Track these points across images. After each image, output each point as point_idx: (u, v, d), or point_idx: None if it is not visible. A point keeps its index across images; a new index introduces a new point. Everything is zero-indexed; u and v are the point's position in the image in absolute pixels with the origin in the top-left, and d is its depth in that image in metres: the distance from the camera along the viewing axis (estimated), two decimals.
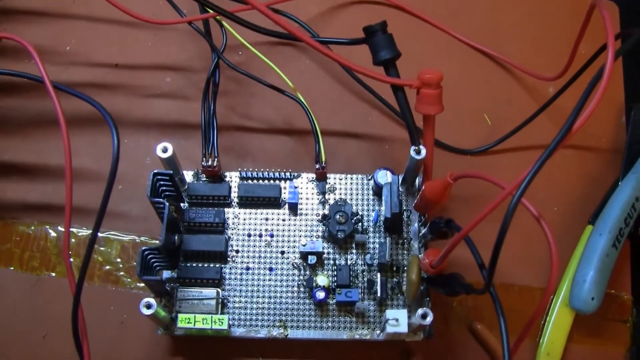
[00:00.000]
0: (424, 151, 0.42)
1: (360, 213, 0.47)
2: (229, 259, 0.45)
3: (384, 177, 0.45)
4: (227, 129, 0.53)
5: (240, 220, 0.46)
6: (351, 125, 0.53)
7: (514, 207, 0.31)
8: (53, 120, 0.36)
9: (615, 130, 0.54)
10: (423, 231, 0.45)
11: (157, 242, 0.42)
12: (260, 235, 0.46)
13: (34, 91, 0.52)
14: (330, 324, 0.45)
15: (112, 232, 0.49)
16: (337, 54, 0.40)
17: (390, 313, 0.41)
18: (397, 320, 0.41)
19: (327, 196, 0.47)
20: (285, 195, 0.47)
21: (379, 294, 0.44)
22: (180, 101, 0.54)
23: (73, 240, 0.48)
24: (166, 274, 0.44)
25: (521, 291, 0.49)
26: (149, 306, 0.38)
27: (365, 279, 0.45)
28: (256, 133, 0.53)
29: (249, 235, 0.46)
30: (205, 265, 0.45)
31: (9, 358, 0.45)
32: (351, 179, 0.48)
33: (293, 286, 0.45)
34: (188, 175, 0.47)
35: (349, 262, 0.46)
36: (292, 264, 0.46)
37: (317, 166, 0.46)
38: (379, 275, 0.45)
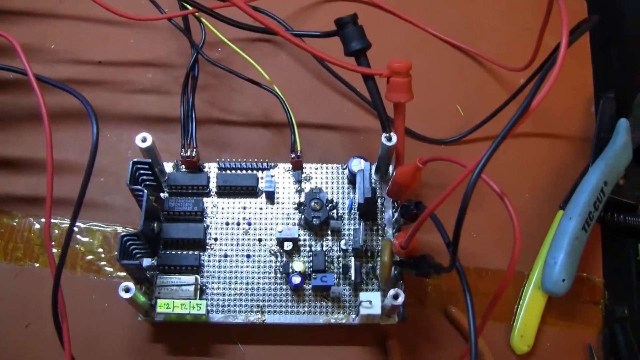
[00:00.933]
0: (394, 138, 0.43)
1: (335, 201, 0.48)
2: (207, 246, 0.47)
3: (358, 164, 0.47)
4: (208, 122, 0.54)
5: (219, 209, 0.48)
6: (327, 116, 0.54)
7: (473, 182, 0.32)
8: (38, 115, 0.38)
9: (585, 120, 0.56)
10: (396, 216, 0.46)
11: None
12: (238, 224, 0.47)
13: (20, 87, 0.54)
14: (306, 309, 0.46)
15: (94, 223, 0.50)
16: (311, 46, 0.42)
17: (364, 295, 0.43)
18: (371, 302, 0.43)
19: (302, 185, 0.48)
20: (262, 184, 0.48)
21: (353, 278, 0.45)
22: (162, 96, 0.55)
23: (57, 231, 0.49)
24: (147, 261, 0.46)
25: (495, 275, 0.50)
26: (127, 290, 0.39)
27: (341, 264, 0.46)
28: (235, 126, 0.54)
29: (227, 224, 0.47)
30: (185, 252, 0.46)
31: None
32: (326, 168, 0.49)
33: (270, 272, 0.46)
34: (168, 167, 0.48)
35: (324, 248, 0.47)
36: (269, 251, 0.47)
37: (293, 155, 0.47)
38: (353, 260, 0.46)
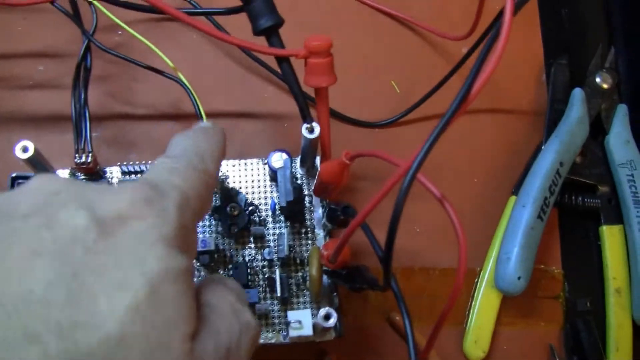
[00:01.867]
0: (317, 129, 0.37)
1: (256, 203, 0.41)
2: None
3: (279, 160, 0.40)
4: (109, 118, 0.46)
5: None
6: (245, 104, 0.47)
7: (405, 190, 0.27)
8: None
9: (536, 90, 0.50)
10: (324, 220, 0.40)
11: None
12: None
13: None
14: None
15: None
16: (211, 26, 0.35)
17: (292, 315, 0.37)
18: (300, 322, 0.37)
19: (219, 186, 0.42)
20: None
21: (278, 293, 0.39)
22: (56, 91, 0.47)
23: None
24: None
25: (443, 274, 0.45)
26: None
27: (266, 276, 0.40)
28: (140, 121, 0.47)
29: None
30: None
31: None
32: (245, 164, 0.42)
33: None
34: (64, 175, 0.41)
35: (246, 259, 0.40)
36: None
37: None
38: (278, 272, 0.40)
